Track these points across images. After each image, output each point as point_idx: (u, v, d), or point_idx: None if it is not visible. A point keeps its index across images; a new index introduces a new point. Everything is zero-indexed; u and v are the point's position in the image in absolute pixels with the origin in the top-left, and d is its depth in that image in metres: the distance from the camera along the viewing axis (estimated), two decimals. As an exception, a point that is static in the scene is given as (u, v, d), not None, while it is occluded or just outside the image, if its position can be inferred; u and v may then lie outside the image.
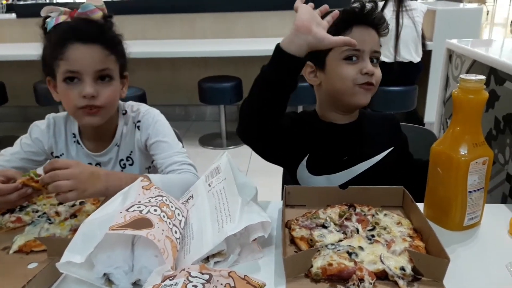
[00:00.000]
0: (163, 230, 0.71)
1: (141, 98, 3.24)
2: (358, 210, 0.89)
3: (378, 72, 1.02)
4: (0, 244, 0.83)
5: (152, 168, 1.20)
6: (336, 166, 1.07)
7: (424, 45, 3.35)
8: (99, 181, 0.89)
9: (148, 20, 3.84)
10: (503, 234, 0.84)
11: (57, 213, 0.92)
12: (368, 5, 1.01)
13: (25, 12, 3.93)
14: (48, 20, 1.00)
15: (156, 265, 0.66)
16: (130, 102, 1.17)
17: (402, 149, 1.13)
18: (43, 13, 1.00)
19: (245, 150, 4.16)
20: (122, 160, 1.14)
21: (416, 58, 3.25)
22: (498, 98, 1.22)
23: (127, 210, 0.72)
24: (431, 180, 0.87)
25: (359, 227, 0.83)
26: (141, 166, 1.16)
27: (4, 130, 3.85)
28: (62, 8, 0.99)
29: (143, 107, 1.16)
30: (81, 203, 0.96)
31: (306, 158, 1.08)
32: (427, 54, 3.40)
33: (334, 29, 0.96)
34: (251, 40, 3.82)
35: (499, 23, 9.93)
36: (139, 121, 1.13)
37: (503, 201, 1.17)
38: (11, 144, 1.12)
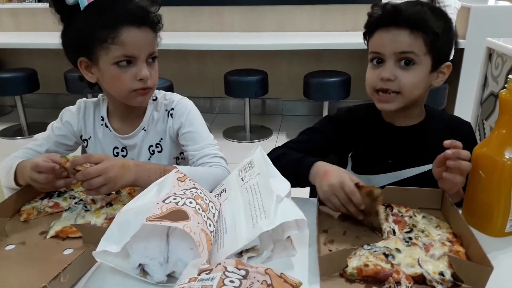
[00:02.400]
0: (198, 223, 0.70)
1: (169, 90, 3.22)
2: (395, 210, 0.87)
3: (404, 77, 0.93)
4: (38, 228, 0.86)
5: (181, 160, 1.20)
6: (379, 168, 1.03)
7: (456, 43, 3.24)
8: (129, 172, 0.91)
9: (177, 12, 3.85)
10: (548, 242, 0.80)
11: (93, 201, 0.93)
12: (390, 6, 0.94)
13: (57, 1, 4.00)
14: None
15: (191, 258, 0.66)
16: (162, 91, 1.17)
17: None
18: None
19: (269, 143, 4.11)
20: (151, 146, 1.14)
21: (448, 56, 3.16)
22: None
23: (163, 201, 0.72)
24: (471, 183, 0.84)
25: (396, 228, 0.81)
26: (170, 155, 1.16)
27: (35, 116, 3.94)
28: None
29: (176, 96, 1.16)
30: (117, 192, 0.97)
31: (350, 154, 1.07)
32: (459, 52, 3.30)
33: (365, 33, 1.01)
34: (279, 34, 3.79)
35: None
36: (172, 109, 1.12)
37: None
38: (42, 129, 1.15)
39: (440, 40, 0.94)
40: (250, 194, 0.81)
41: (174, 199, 0.74)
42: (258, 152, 0.89)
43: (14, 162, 0.99)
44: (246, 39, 3.58)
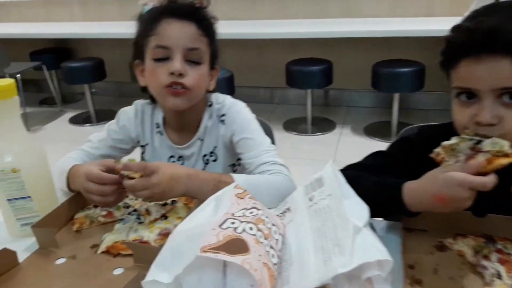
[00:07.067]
0: (259, 256, 0.60)
1: (229, 80, 3.20)
2: (499, 245, 0.71)
3: (510, 118, 0.69)
4: (89, 240, 0.81)
5: (237, 167, 1.11)
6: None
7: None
8: (178, 184, 0.83)
9: (237, 0, 3.77)
10: None
11: (148, 211, 0.87)
12: (481, 29, 0.69)
13: (124, -9, 4.08)
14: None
15: (251, 297, 0.56)
16: (216, 94, 1.09)
17: None
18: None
19: (332, 137, 3.90)
20: (205, 155, 1.06)
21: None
22: None
23: (220, 226, 0.63)
24: None
25: (502, 270, 0.65)
26: (225, 163, 1.08)
27: (102, 103, 4.09)
28: None
29: (228, 99, 1.07)
30: (173, 202, 0.90)
31: None
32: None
33: (443, 62, 0.78)
34: (345, 20, 3.56)
35: None
36: (223, 115, 1.04)
37: None
38: (109, 116, 1.13)
39: None
40: (320, 219, 0.69)
41: (233, 223, 0.64)
42: (329, 168, 0.76)
43: (67, 165, 0.95)
44: (309, 26, 3.40)
